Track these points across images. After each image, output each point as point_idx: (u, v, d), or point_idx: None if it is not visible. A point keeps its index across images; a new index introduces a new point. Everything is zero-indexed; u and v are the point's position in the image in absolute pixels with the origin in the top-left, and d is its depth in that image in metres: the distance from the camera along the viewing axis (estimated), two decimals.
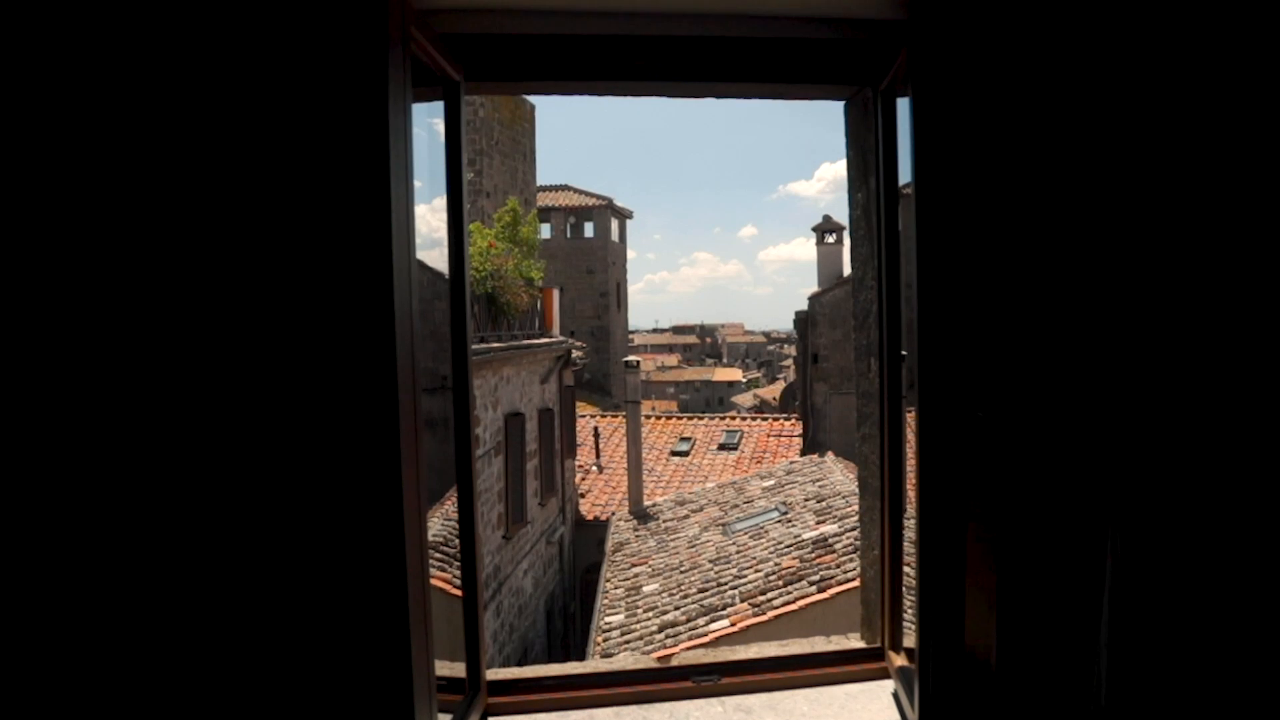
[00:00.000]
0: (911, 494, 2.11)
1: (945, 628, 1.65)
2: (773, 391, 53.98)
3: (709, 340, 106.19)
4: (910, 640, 2.08)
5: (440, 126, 2.03)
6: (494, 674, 2.25)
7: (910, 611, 2.04)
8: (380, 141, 1.49)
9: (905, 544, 1.97)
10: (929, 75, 1.71)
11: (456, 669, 2.17)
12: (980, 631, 1.62)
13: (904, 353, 1.91)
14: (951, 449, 1.65)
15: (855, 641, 2.50)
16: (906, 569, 2.05)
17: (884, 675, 2.19)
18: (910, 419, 2.20)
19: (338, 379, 1.51)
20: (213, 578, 1.57)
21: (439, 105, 2.11)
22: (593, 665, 2.46)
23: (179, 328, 1.55)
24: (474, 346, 11.67)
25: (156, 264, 1.56)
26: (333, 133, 1.52)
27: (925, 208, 1.71)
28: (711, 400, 69.49)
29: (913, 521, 2.12)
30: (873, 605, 2.32)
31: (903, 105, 2.05)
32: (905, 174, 2.12)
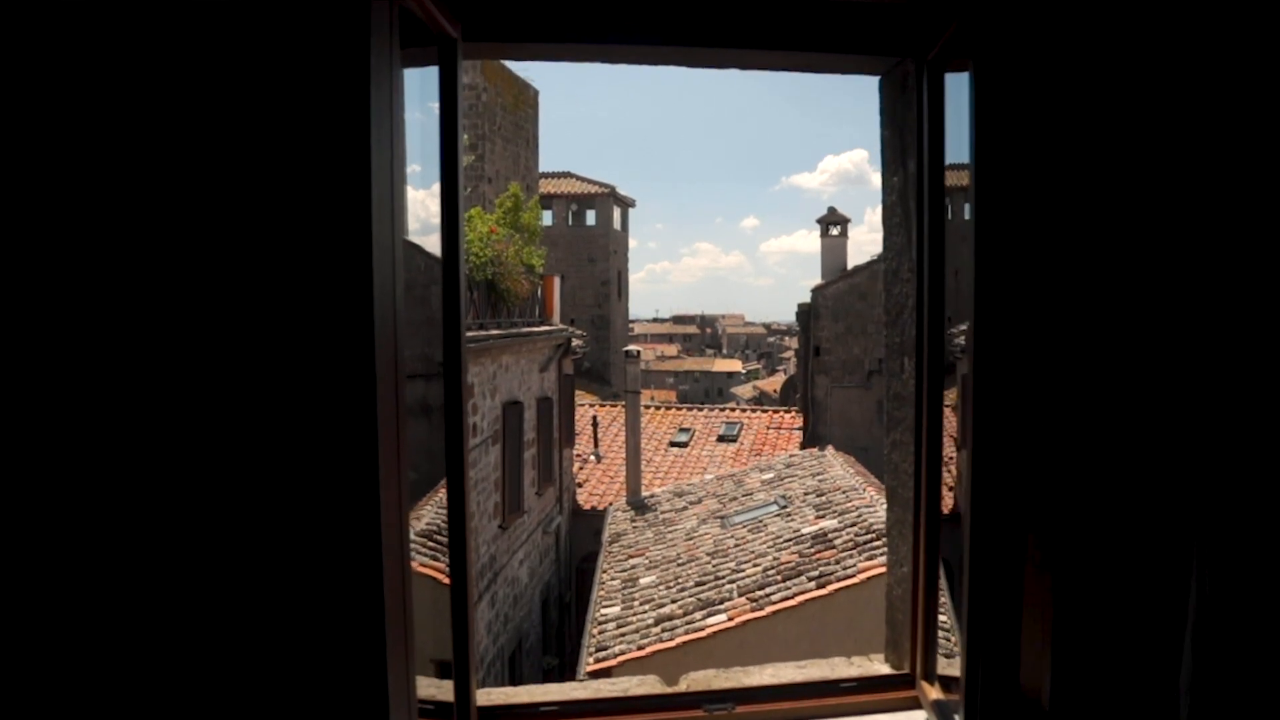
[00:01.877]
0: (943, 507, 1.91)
1: (997, 662, 1.46)
2: (773, 384, 53.86)
3: (709, 331, 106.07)
4: (945, 668, 1.90)
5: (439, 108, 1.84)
6: (485, 696, 2.06)
7: (946, 637, 1.86)
8: (360, 102, 1.28)
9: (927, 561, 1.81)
10: (996, 44, 1.49)
11: (444, 689, 1.98)
12: (1036, 668, 1.44)
13: (957, 354, 1.70)
14: (1011, 462, 1.46)
15: (880, 665, 2.32)
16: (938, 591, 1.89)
17: (914, 705, 2.00)
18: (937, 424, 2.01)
19: (306, 366, 1.30)
20: (151, 585, 1.36)
21: (437, 84, 1.90)
22: (594, 688, 2.28)
23: (120, 300, 1.34)
24: (473, 334, 11.52)
25: (98, 228, 1.35)
26: (305, 92, 1.31)
27: (988, 195, 1.50)
28: (710, 391, 69.37)
29: (941, 536, 1.92)
30: (899, 626, 2.13)
31: (951, 80, 1.85)
32: (949, 155, 1.92)
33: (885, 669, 2.25)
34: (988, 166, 1.50)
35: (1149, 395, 1.45)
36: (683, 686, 2.28)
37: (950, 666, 1.89)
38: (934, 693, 1.87)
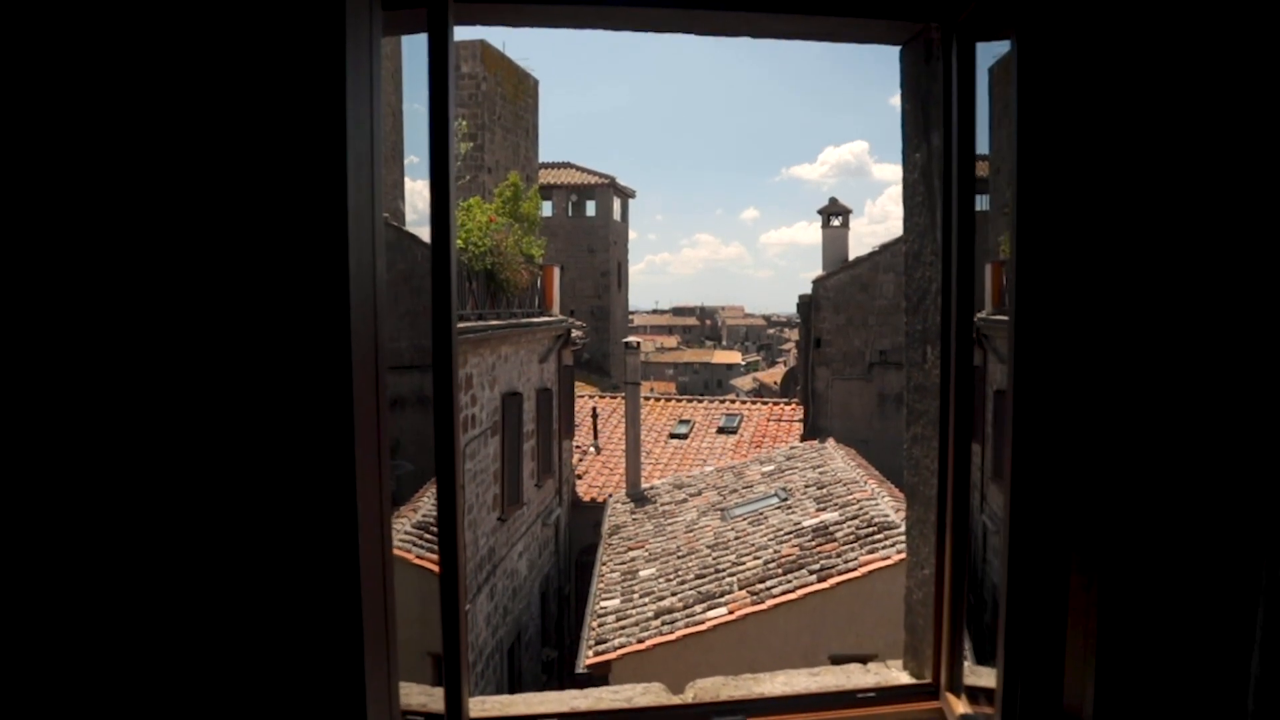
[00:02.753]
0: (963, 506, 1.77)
1: (1037, 679, 1.33)
2: (773, 375, 53.81)
3: (709, 322, 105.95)
4: (973, 678, 1.76)
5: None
6: (479, 706, 1.93)
7: (968, 645, 1.73)
8: (335, 65, 1.13)
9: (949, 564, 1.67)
10: (1045, 5, 1.33)
11: (434, 696, 1.85)
12: (1080, 687, 1.31)
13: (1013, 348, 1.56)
14: (1054, 471, 1.32)
15: (899, 673, 2.17)
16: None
17: (938, 718, 1.87)
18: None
19: (275, 352, 1.16)
20: (105, 585, 1.22)
21: (426, 53, 1.75)
22: (595, 696, 2.14)
23: (64, 278, 1.20)
24: (472, 324, 11.39)
25: (33, 198, 1.21)
26: (272, 53, 1.16)
27: (1033, 178, 1.34)
28: (710, 383, 69.32)
29: (966, 538, 1.79)
30: (919, 632, 1.98)
31: (982, 50, 1.71)
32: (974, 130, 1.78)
33: (905, 678, 2.11)
34: (1033, 145, 1.34)
35: (1217, 401, 1.30)
36: (689, 695, 2.15)
37: (976, 677, 1.76)
38: (961, 706, 1.72)
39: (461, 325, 11.05)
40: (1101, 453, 1.30)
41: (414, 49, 1.72)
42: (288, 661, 1.23)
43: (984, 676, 1.66)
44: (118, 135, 1.18)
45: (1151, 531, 1.30)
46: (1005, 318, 1.57)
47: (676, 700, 2.06)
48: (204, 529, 1.18)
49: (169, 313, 1.17)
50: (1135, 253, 1.32)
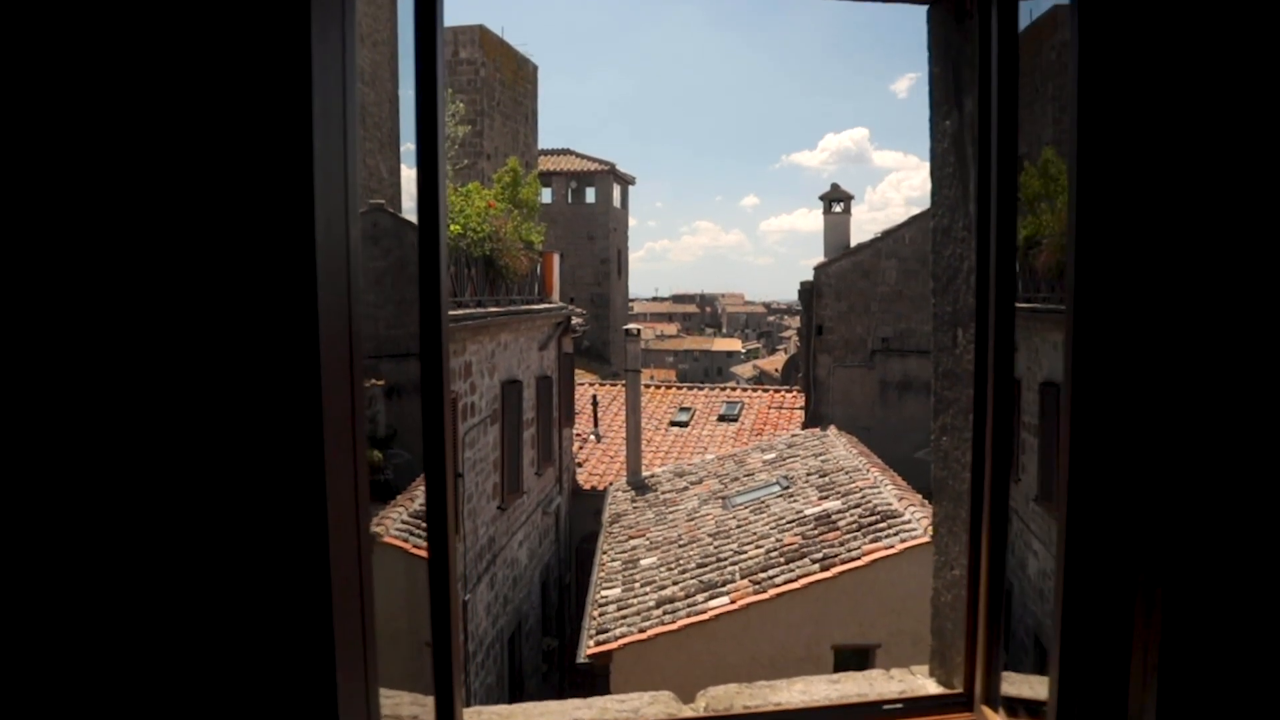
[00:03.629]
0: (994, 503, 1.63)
1: (1096, 700, 1.18)
2: (773, 363, 53.73)
3: (709, 310, 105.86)
4: (1011, 689, 1.61)
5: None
6: (475, 718, 1.80)
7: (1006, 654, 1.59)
8: (298, 24, 0.97)
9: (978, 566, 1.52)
10: None
11: (426, 706, 1.71)
12: (1143, 712, 1.17)
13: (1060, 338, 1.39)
14: (1117, 483, 1.17)
15: (925, 680, 2.03)
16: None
17: None
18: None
19: (230, 339, 1.00)
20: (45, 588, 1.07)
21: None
22: (601, 707, 2.01)
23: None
24: (471, 311, 11.21)
25: None
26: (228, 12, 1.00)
27: (1094, 140, 1.18)
28: (710, 370, 69.26)
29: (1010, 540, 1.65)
30: (948, 637, 1.84)
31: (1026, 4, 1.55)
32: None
33: (933, 686, 1.96)
34: (1096, 112, 1.18)
35: None
36: (700, 705, 2.01)
37: (1014, 687, 1.62)
38: None
39: (460, 312, 10.91)
40: (1179, 462, 1.15)
41: (410, 33, 1.57)
42: (248, 664, 1.07)
43: (1023, 687, 1.52)
44: (44, 100, 1.02)
45: (1229, 552, 1.15)
46: (1031, 305, 1.44)
47: (688, 712, 1.92)
48: (153, 522, 1.03)
49: (105, 293, 1.02)
50: (1220, 233, 1.16)
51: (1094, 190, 1.21)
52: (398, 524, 8.44)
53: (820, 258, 19.76)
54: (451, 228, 10.32)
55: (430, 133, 1.38)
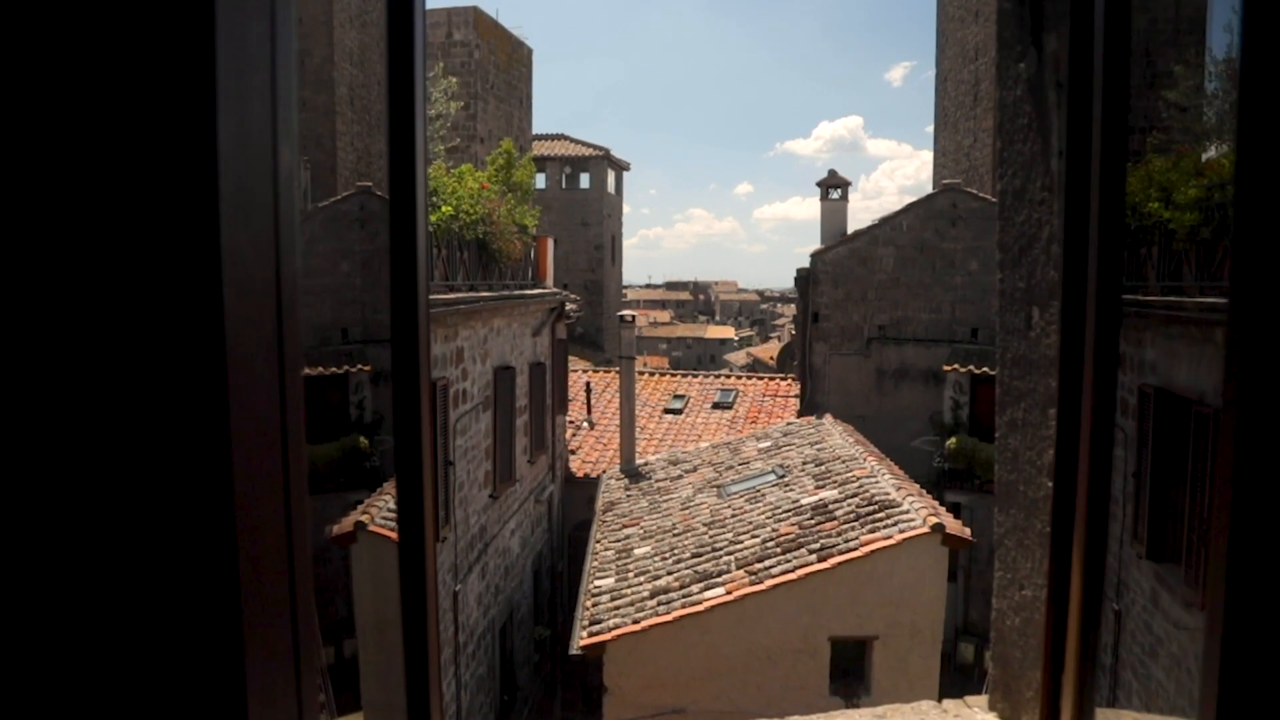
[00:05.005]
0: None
1: None
2: (766, 350, 53.59)
3: (702, 297, 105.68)
4: None
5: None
6: None
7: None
8: None
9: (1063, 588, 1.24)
10: None
11: None
12: None
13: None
14: None
15: (984, 715, 1.81)
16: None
17: None
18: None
19: (114, 328, 0.79)
20: None
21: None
22: None
23: None
24: (463, 295, 10.98)
25: None
26: None
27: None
28: (703, 358, 69.13)
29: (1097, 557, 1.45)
30: (1015, 666, 1.56)
31: None
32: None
33: None
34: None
35: None
36: None
37: None
38: None
39: (452, 296, 10.71)
40: None
41: None
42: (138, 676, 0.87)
43: None
44: None
45: None
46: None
47: None
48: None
49: None
50: None
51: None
52: (384, 512, 8.25)
53: (814, 245, 19.57)
54: (443, 209, 10.09)
55: (405, 84, 1.19)
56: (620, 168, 37.14)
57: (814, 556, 10.06)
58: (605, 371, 23.57)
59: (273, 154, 0.80)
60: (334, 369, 8.10)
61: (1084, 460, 1.09)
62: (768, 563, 10.28)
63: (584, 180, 35.29)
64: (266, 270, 0.77)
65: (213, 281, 0.71)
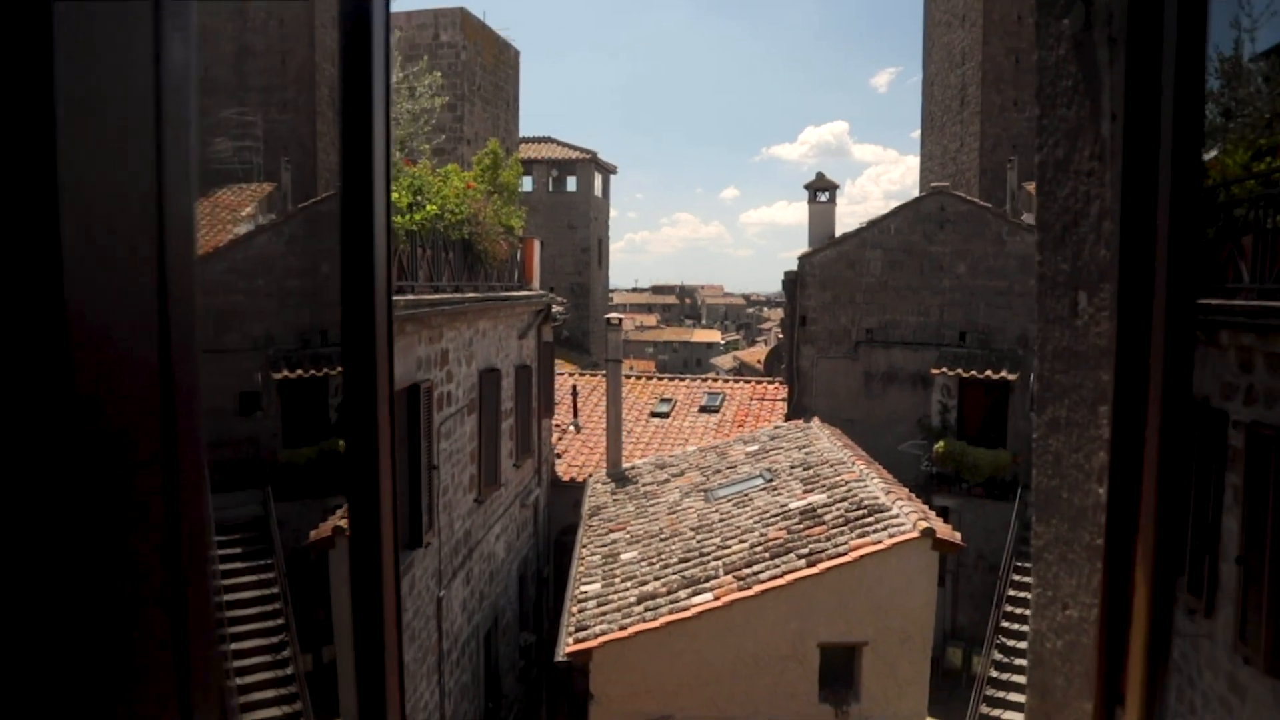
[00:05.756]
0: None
1: None
2: (753, 354, 53.63)
3: (688, 301, 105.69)
4: None
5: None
6: None
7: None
8: None
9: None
10: None
11: None
12: None
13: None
14: None
15: None
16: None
17: None
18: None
19: None
20: None
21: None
22: None
23: None
24: (448, 296, 10.83)
25: None
26: None
27: None
28: (690, 361, 69.10)
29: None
30: (1057, 695, 1.35)
31: None
32: None
33: None
34: None
35: None
36: None
37: None
38: None
39: (437, 297, 10.53)
40: None
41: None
42: None
43: None
44: None
45: None
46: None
47: None
48: None
49: None
50: None
51: None
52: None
53: (800, 250, 19.52)
54: (428, 208, 9.91)
55: (361, 60, 1.04)
56: (607, 171, 37.04)
57: (803, 562, 9.94)
58: (592, 375, 23.42)
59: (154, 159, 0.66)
60: (313, 372, 7.92)
61: (1149, 464, 0.95)
62: (756, 568, 10.15)
63: (571, 183, 35.17)
64: (135, 256, 0.64)
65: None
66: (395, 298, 8.67)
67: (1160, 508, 0.93)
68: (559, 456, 18.98)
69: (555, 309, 17.12)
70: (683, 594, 10.01)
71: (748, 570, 10.17)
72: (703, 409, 20.81)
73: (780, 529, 11.18)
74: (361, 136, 1.01)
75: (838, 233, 19.31)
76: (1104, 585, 1.03)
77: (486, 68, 33.66)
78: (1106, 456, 1.03)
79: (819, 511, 11.38)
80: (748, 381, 23.32)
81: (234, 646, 11.49)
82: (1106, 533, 1.01)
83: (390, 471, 0.95)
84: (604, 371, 19.31)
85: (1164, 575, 0.94)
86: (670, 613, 9.62)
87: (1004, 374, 16.39)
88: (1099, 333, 1.08)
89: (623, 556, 11.89)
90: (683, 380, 23.17)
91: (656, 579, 10.67)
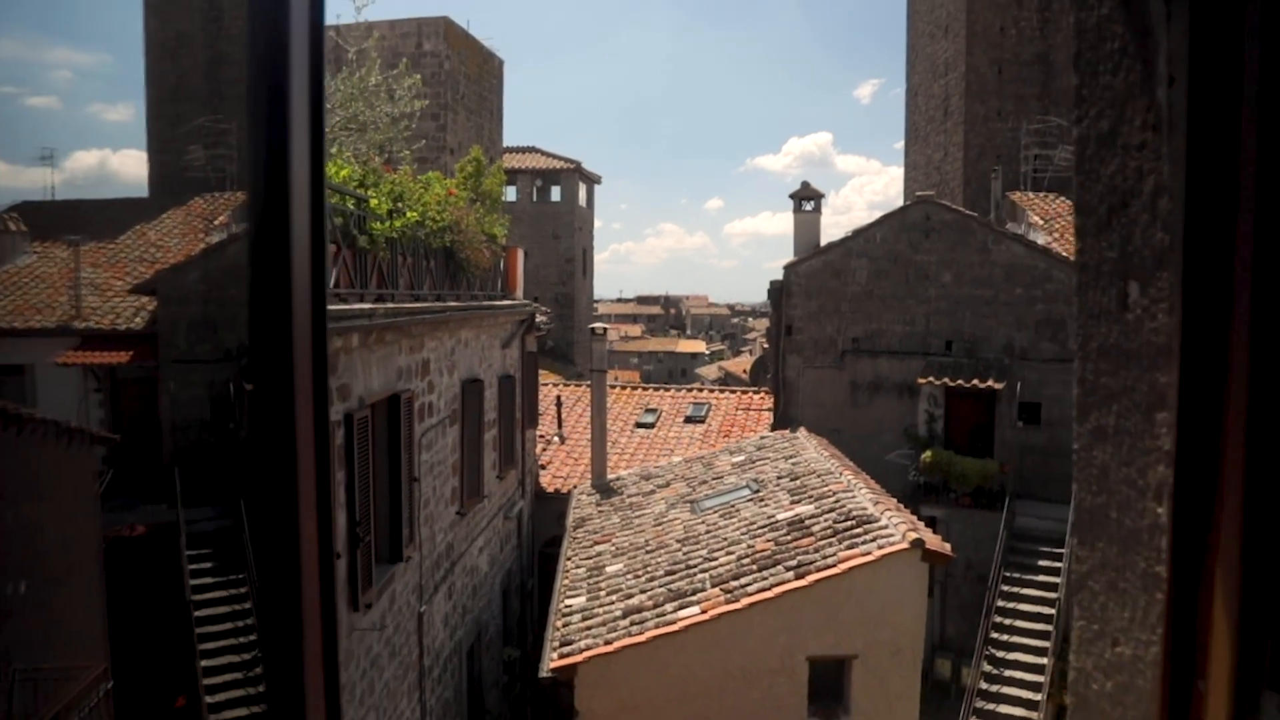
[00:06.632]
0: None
1: None
2: (737, 364, 53.53)
3: (673, 311, 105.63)
4: None
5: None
6: None
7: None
8: None
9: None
10: None
11: None
12: None
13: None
14: None
15: None
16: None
17: None
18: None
19: None
20: None
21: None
22: None
23: None
24: (429, 305, 10.58)
25: None
26: None
27: None
28: (675, 371, 68.97)
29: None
30: None
31: None
32: None
33: None
34: None
35: None
36: None
37: None
38: None
39: (418, 305, 10.34)
40: None
41: None
42: None
43: None
44: None
45: None
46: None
47: None
48: None
49: None
50: None
51: None
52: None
53: (785, 260, 19.44)
54: (409, 215, 9.73)
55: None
56: (592, 181, 36.93)
57: (791, 574, 9.79)
58: (576, 385, 23.23)
59: None
60: None
61: (1228, 477, 0.80)
62: (744, 580, 9.99)
63: (555, 193, 35.03)
64: None
65: None
66: (375, 305, 8.43)
67: (1245, 531, 0.80)
68: (543, 468, 18.77)
69: (539, 319, 16.95)
70: (669, 607, 9.83)
71: (735, 583, 10.01)
72: (688, 419, 20.66)
73: (768, 541, 11.03)
74: (275, 126, 0.84)
75: (823, 242, 19.24)
76: (1167, 620, 0.88)
77: (470, 77, 33.52)
78: (1169, 471, 0.88)
79: (807, 523, 11.23)
80: (733, 391, 23.18)
81: (204, 664, 11.19)
82: (1171, 560, 0.87)
83: (315, 526, 0.78)
84: (588, 382, 19.13)
85: (1251, 611, 0.80)
86: (657, 627, 9.44)
87: (991, 383, 16.34)
88: (1154, 328, 0.92)
89: (608, 569, 11.70)
90: (668, 390, 23.01)
91: (642, 592, 10.49)
